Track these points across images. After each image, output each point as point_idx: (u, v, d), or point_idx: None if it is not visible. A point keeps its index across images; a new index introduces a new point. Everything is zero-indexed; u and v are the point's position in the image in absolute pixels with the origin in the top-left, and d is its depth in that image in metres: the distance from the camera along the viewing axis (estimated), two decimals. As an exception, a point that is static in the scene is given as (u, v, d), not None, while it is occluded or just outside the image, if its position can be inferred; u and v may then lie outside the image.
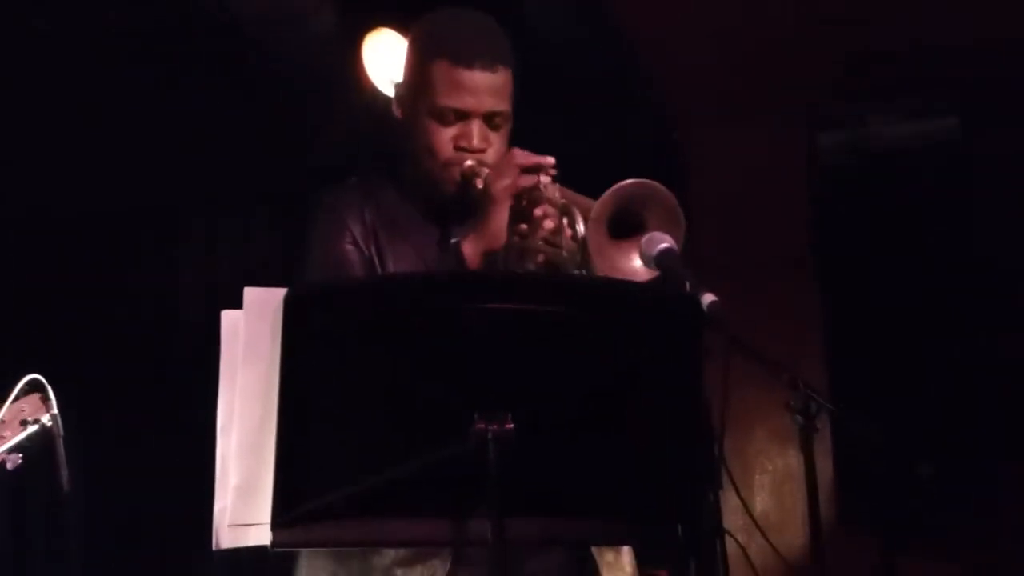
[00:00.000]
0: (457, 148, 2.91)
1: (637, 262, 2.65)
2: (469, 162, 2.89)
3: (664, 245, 2.56)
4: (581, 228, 2.69)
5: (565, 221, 2.75)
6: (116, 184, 6.14)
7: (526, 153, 2.86)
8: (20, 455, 3.16)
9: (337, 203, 2.97)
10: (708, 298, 2.37)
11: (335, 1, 4.92)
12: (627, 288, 2.49)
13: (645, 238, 2.59)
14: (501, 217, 2.81)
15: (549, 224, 2.78)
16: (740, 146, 5.77)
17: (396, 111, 3.03)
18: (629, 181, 2.64)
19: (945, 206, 5.58)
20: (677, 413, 2.29)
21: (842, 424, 2.47)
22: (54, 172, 5.88)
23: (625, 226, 2.67)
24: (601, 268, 2.65)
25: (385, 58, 4.87)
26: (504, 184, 2.82)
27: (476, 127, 2.91)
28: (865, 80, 5.46)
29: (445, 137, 2.92)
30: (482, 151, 2.90)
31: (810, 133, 5.71)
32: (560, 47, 5.23)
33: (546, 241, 2.79)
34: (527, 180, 2.82)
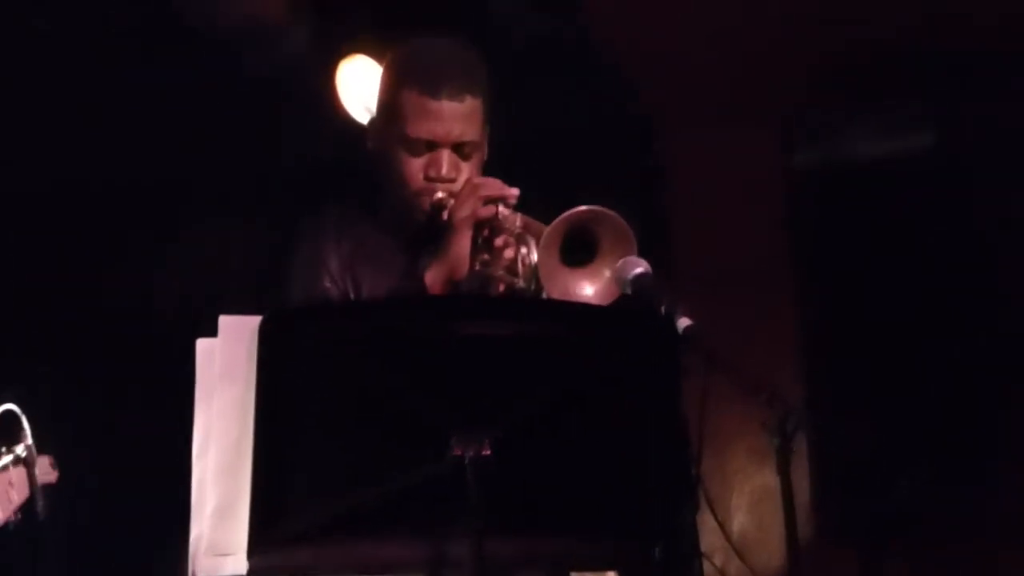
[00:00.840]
0: (427, 178, 2.93)
1: (588, 289, 2.68)
2: (439, 194, 2.92)
3: (639, 269, 2.57)
4: (535, 256, 2.71)
5: (523, 250, 2.78)
6: (84, 198, 6.14)
7: (489, 182, 2.90)
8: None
9: (314, 236, 2.99)
10: (684, 321, 2.39)
11: (309, 23, 4.92)
12: (604, 311, 2.50)
13: (620, 262, 2.61)
14: (463, 245, 2.85)
15: (509, 253, 2.83)
16: (715, 160, 5.78)
17: (369, 140, 3.04)
18: (578, 209, 2.67)
19: (922, 219, 5.59)
20: (654, 434, 2.30)
21: (819, 443, 2.47)
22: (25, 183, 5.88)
23: (578, 249, 2.69)
24: (552, 293, 2.69)
25: (359, 85, 4.88)
26: (465, 214, 2.85)
27: (445, 156, 2.93)
28: (840, 94, 5.48)
29: (415, 167, 2.94)
30: (451, 180, 2.92)
31: (785, 147, 5.73)
32: (536, 66, 5.24)
33: (506, 270, 2.82)
34: (487, 211, 2.85)
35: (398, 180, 2.94)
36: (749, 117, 5.63)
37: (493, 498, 2.16)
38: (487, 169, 2.98)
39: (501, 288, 2.83)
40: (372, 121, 3.07)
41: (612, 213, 2.67)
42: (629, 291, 2.58)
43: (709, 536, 2.58)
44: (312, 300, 2.88)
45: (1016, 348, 5.47)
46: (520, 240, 2.80)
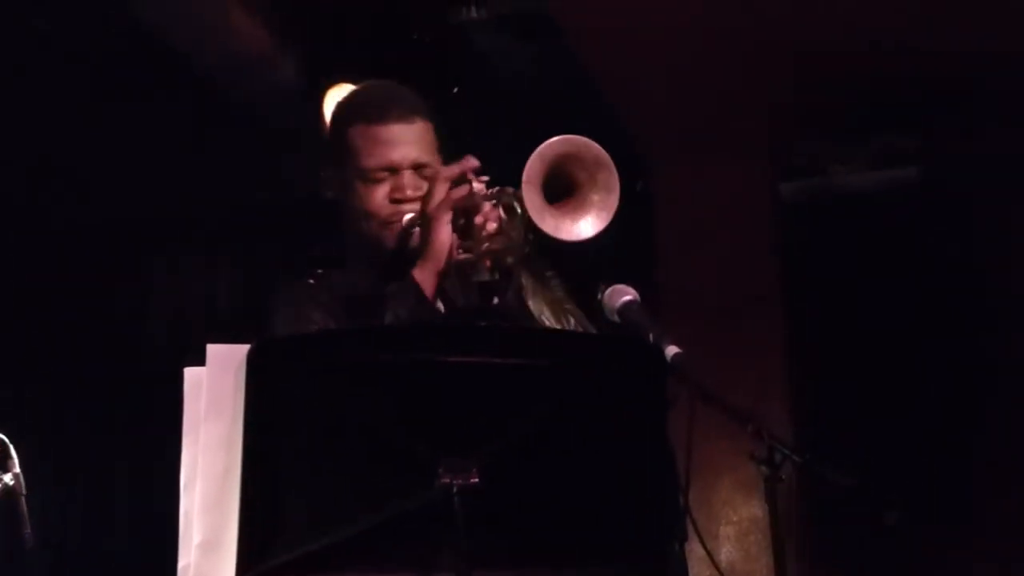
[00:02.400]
0: (393, 201, 2.90)
1: (580, 224, 2.65)
2: (408, 215, 2.88)
3: (627, 297, 2.57)
4: (518, 207, 2.68)
5: (504, 216, 2.74)
6: (79, 224, 6.15)
7: (447, 167, 2.86)
8: None
9: (294, 292, 2.94)
10: (672, 350, 2.38)
11: (297, 54, 4.93)
12: (591, 339, 2.49)
13: (609, 290, 2.60)
14: (443, 235, 2.79)
15: (491, 227, 2.78)
16: (704, 189, 5.80)
17: (327, 192, 3.02)
18: (552, 139, 2.64)
19: (908, 249, 5.61)
20: (642, 464, 2.29)
21: (807, 474, 2.47)
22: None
23: (560, 188, 2.66)
24: (546, 230, 2.63)
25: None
26: (436, 202, 2.80)
27: (407, 178, 2.91)
28: (824, 126, 5.50)
29: (379, 196, 2.91)
30: (418, 199, 2.88)
31: (772, 176, 5.74)
32: (522, 89, 5.25)
33: (492, 241, 2.77)
34: (460, 192, 2.81)
35: (363, 215, 2.92)
36: (737, 149, 5.66)
37: (481, 528, 2.14)
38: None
39: (487, 264, 2.78)
40: (326, 172, 3.03)
41: (583, 140, 2.65)
42: (617, 319, 2.58)
43: (697, 566, 2.57)
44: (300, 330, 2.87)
45: (1004, 375, 5.49)
46: (497, 198, 2.76)
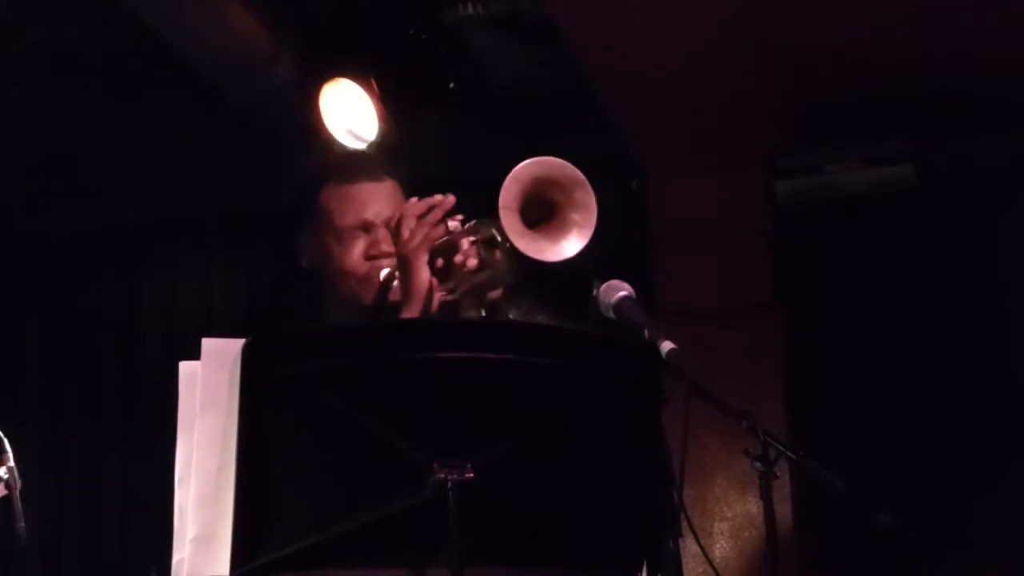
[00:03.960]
0: (369, 257, 2.93)
1: (563, 244, 2.65)
2: (385, 270, 2.91)
3: (622, 294, 2.57)
4: (498, 235, 2.68)
5: (482, 247, 2.74)
6: (71, 225, 6.15)
7: (418, 203, 2.86)
8: None
9: None
10: (667, 346, 2.38)
11: (293, 50, 4.93)
12: (586, 336, 2.49)
13: (604, 286, 2.60)
14: (422, 274, 2.80)
15: (472, 263, 2.79)
16: (699, 191, 5.80)
17: (304, 260, 3.04)
18: (524, 162, 2.64)
19: (904, 252, 5.61)
20: (636, 460, 2.29)
21: (802, 471, 2.47)
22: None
23: (538, 212, 2.67)
24: (529, 254, 2.63)
25: (343, 108, 4.89)
26: (414, 243, 2.81)
27: (382, 234, 2.93)
28: (819, 128, 5.50)
29: (355, 254, 2.95)
30: (394, 254, 2.89)
31: (766, 177, 5.74)
32: (517, 88, 5.25)
33: (473, 278, 2.78)
34: (436, 230, 2.81)
35: (340, 274, 2.95)
36: (732, 151, 5.66)
37: (475, 524, 2.14)
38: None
39: (473, 303, 2.80)
40: (300, 240, 3.06)
41: (557, 160, 2.65)
42: (612, 315, 2.58)
43: (691, 562, 2.58)
44: (295, 326, 2.88)
45: (1002, 376, 5.49)
46: (475, 231, 2.77)
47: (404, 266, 2.81)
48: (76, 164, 5.84)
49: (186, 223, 6.27)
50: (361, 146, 4.76)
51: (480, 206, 2.80)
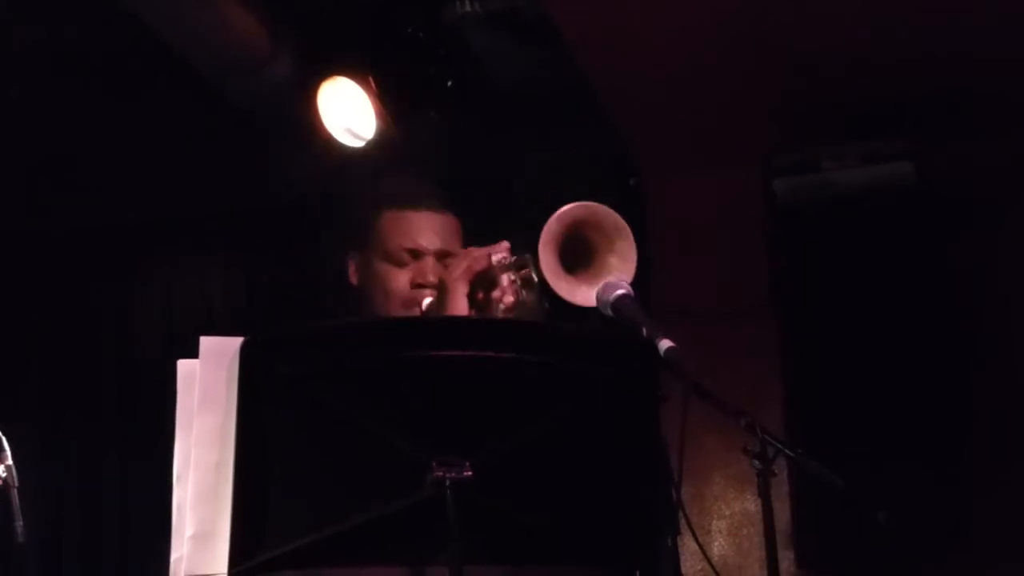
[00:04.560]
0: (414, 286, 2.95)
1: (592, 292, 2.65)
2: (428, 299, 2.92)
3: (621, 291, 2.57)
4: (535, 276, 2.70)
5: (520, 287, 2.77)
6: (69, 224, 6.16)
7: (480, 249, 2.91)
8: None
9: None
10: (665, 344, 2.38)
11: (291, 49, 4.93)
12: (584, 334, 2.49)
13: (601, 284, 2.60)
14: (459, 304, 2.85)
15: (508, 300, 2.84)
16: (697, 190, 5.79)
17: (352, 277, 3.08)
18: (571, 205, 2.66)
19: (903, 250, 5.60)
20: (634, 458, 2.29)
21: (800, 468, 2.47)
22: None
23: (578, 258, 2.68)
24: (560, 293, 2.66)
25: (340, 106, 4.90)
26: (456, 272, 2.86)
27: (430, 264, 2.96)
28: (817, 126, 5.50)
29: (402, 280, 2.98)
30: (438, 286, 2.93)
31: (765, 176, 5.74)
32: (516, 86, 5.25)
33: (508, 314, 2.82)
34: (479, 264, 2.86)
35: (384, 294, 2.99)
36: (730, 150, 5.65)
37: (474, 522, 2.14)
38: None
39: None
40: (353, 257, 3.09)
41: (600, 207, 2.67)
42: (610, 313, 2.58)
43: (690, 560, 2.58)
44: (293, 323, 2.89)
45: (1001, 375, 5.49)
46: (515, 267, 2.80)
47: (443, 292, 2.87)
48: (76, 164, 5.84)
49: (186, 223, 6.27)
50: (359, 144, 4.76)
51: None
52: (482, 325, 2.56)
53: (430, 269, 2.96)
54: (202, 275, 6.32)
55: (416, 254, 2.97)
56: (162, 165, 5.83)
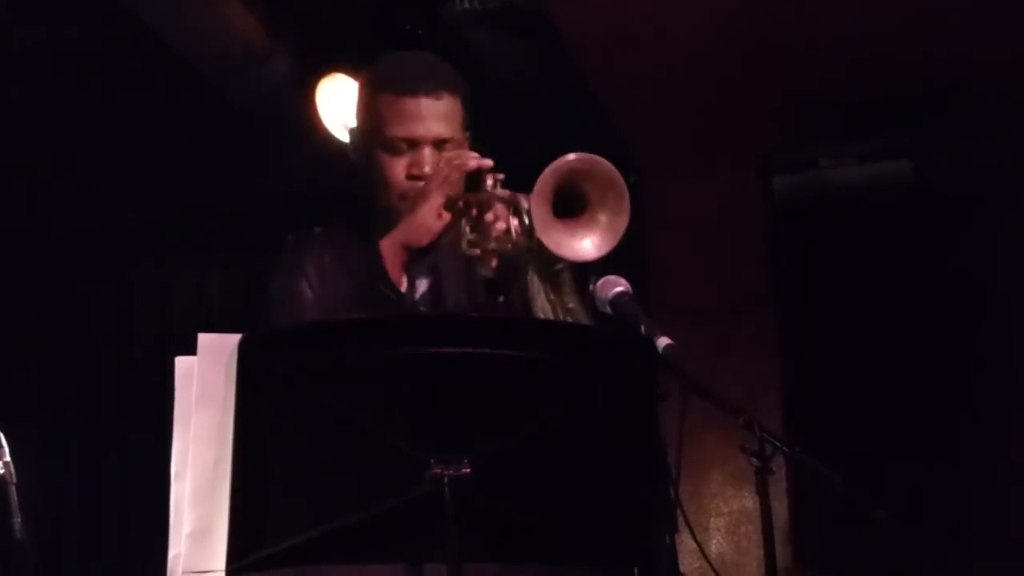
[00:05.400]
0: (410, 176, 2.92)
1: (585, 242, 2.66)
2: None
3: (619, 289, 2.57)
4: (527, 217, 2.69)
5: (515, 222, 2.75)
6: (69, 223, 6.16)
7: (463, 152, 2.88)
8: None
9: (298, 246, 2.98)
10: (663, 341, 2.38)
11: (290, 46, 4.93)
12: (583, 331, 2.49)
13: (600, 281, 2.60)
14: (427, 211, 2.82)
15: (501, 226, 2.78)
16: (696, 188, 5.80)
17: (352, 155, 3.04)
18: (567, 156, 2.64)
19: (900, 247, 5.61)
20: (633, 456, 2.29)
21: (798, 466, 2.47)
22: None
23: (569, 204, 2.67)
24: (549, 245, 2.65)
25: (339, 103, 4.90)
26: (435, 182, 2.83)
27: (427, 153, 2.91)
28: (817, 124, 5.50)
29: (398, 167, 2.92)
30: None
31: (763, 175, 5.74)
32: (515, 84, 5.25)
33: (499, 241, 2.78)
34: (462, 167, 2.83)
35: (381, 185, 2.94)
36: (729, 148, 5.66)
37: (471, 519, 2.14)
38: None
39: (494, 263, 2.78)
40: (352, 134, 3.06)
41: (599, 159, 2.66)
42: (609, 310, 2.58)
43: (688, 558, 2.58)
44: (287, 299, 2.88)
45: (999, 373, 5.49)
46: (511, 202, 2.76)
47: (418, 197, 2.84)
48: (75, 164, 5.84)
49: (184, 222, 6.27)
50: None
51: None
52: (481, 323, 2.55)
53: (426, 157, 2.90)
54: (201, 275, 6.33)
55: (412, 144, 2.92)
56: (161, 164, 5.83)
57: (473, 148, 2.95)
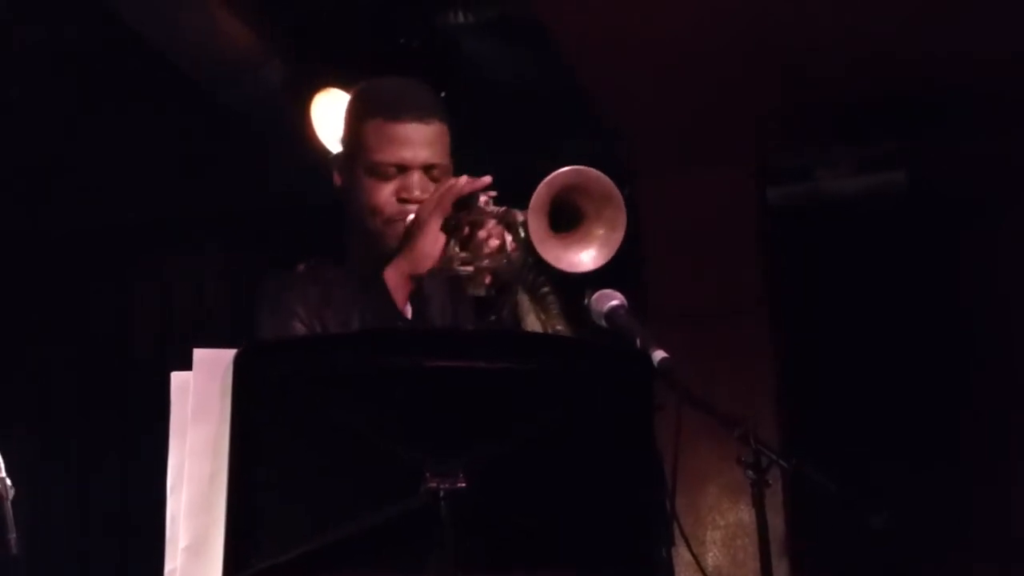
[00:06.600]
0: (399, 200, 2.90)
1: (582, 255, 2.64)
2: (412, 215, 2.89)
3: (615, 302, 2.57)
4: (522, 232, 2.68)
5: (509, 238, 2.74)
6: (69, 223, 6.16)
7: (459, 180, 2.85)
8: None
9: (279, 289, 2.95)
10: (659, 354, 2.38)
11: (285, 61, 4.93)
12: (578, 344, 2.49)
13: (596, 294, 2.60)
14: (428, 239, 2.80)
15: (494, 243, 2.78)
16: (691, 195, 5.79)
17: (336, 179, 3.02)
18: (562, 169, 2.63)
19: (894, 254, 5.62)
20: (629, 468, 2.29)
21: (795, 477, 2.47)
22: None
23: (565, 217, 2.66)
24: (546, 258, 2.64)
25: (333, 117, 4.89)
26: (431, 207, 2.81)
27: (416, 178, 2.90)
28: (815, 126, 5.50)
29: (386, 192, 2.91)
30: (423, 201, 2.88)
31: (759, 183, 5.75)
32: (510, 94, 5.25)
33: (492, 259, 2.77)
34: (455, 192, 2.81)
35: (368, 209, 2.92)
36: (724, 155, 5.66)
37: (467, 532, 2.14)
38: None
39: (488, 281, 2.78)
40: (337, 159, 3.04)
41: (595, 172, 2.65)
42: (604, 323, 2.57)
43: (684, 571, 2.57)
44: (287, 335, 2.87)
45: (995, 378, 5.49)
46: (504, 218, 2.75)
47: (417, 224, 2.81)
48: (75, 164, 5.84)
49: (184, 224, 6.27)
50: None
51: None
52: (477, 336, 2.55)
53: (415, 183, 2.88)
54: (200, 276, 6.33)
55: (401, 168, 2.90)
56: (160, 166, 5.83)
57: (461, 172, 2.93)
